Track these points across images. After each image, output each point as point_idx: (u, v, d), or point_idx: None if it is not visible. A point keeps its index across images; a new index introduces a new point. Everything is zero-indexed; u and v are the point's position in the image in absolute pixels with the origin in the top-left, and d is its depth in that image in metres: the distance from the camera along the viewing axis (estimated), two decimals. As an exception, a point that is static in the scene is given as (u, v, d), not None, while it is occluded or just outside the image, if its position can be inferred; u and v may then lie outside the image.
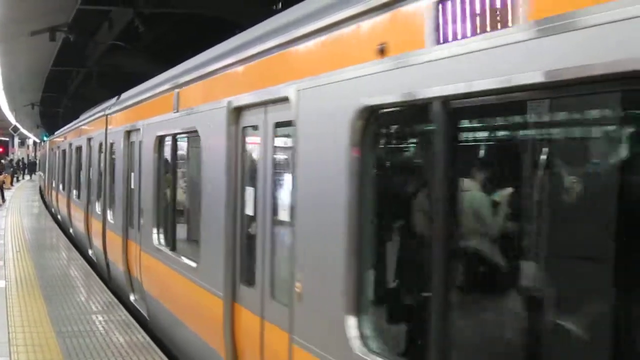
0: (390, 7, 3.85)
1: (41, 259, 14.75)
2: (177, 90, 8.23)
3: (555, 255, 3.18)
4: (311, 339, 4.63)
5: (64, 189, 21.93)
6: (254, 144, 6.09)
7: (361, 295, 4.14)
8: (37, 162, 68.77)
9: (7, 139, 71.80)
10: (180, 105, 8.10)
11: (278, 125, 5.50)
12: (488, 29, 3.16)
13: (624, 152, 2.84)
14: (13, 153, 74.28)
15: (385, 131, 4.37)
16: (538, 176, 3.23)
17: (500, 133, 3.79)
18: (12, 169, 50.45)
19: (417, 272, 3.78)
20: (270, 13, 6.66)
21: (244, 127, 6.20)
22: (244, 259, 6.14)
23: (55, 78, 28.29)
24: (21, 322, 9.12)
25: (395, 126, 4.35)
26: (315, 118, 4.72)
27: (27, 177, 64.74)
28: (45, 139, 50.13)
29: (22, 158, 76.06)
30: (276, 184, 5.55)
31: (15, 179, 53.20)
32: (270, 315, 5.47)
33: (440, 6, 3.45)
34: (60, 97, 36.92)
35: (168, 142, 9.01)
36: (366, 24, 4.12)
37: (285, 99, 5.09)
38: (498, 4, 3.10)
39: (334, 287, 4.28)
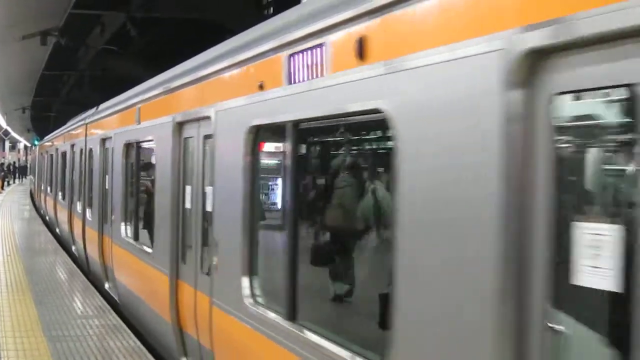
0: (264, 56, 5.52)
1: (32, 263, 14.71)
2: (139, 105, 10.01)
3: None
4: (221, 299, 6.30)
5: (51, 191, 23.81)
6: (192, 151, 7.63)
7: (251, 265, 5.81)
8: (28, 166, 68.60)
9: (-3, 143, 71.58)
10: (141, 118, 9.87)
11: (206, 137, 7.03)
12: (314, 76, 4.72)
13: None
14: (4, 157, 74.00)
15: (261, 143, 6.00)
16: (333, 174, 5.36)
17: (323, 146, 5.84)
18: (2, 173, 50.30)
19: (281, 249, 5.31)
20: (261, 18, 6.70)
21: (185, 138, 7.81)
22: (185, 244, 7.76)
23: (46, 82, 28.21)
24: (12, 327, 9.10)
25: (268, 140, 5.98)
26: (225, 132, 6.39)
27: (17, 180, 64.52)
28: (36, 143, 50.03)
29: (14, 162, 75.80)
30: (203, 182, 7.10)
31: (6, 183, 53.04)
32: (200, 286, 6.99)
33: (290, 58, 5.04)
34: (52, 101, 36.82)
35: (133, 149, 10.65)
36: (252, 67, 5.83)
37: (208, 117, 6.76)
38: (319, 60, 4.65)
39: (235, 260, 5.90)
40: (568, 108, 2.84)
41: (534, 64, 2.86)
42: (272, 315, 5.29)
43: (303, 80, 4.84)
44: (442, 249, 3.36)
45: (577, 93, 2.81)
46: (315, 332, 4.70)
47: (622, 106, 2.67)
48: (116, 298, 11.35)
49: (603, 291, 2.62)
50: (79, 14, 16.28)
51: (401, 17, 3.76)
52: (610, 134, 2.82)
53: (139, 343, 8.60)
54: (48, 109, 40.53)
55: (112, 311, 10.41)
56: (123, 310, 10.70)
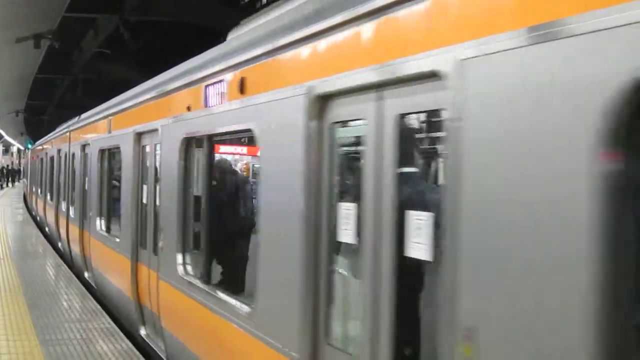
0: (191, 85, 7.21)
1: (25, 267, 14.69)
2: (110, 117, 12.00)
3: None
4: (163, 273, 7.97)
5: (41, 193, 25.70)
6: (147, 156, 9.45)
7: (185, 244, 7.46)
8: (21, 169, 68.42)
9: (-9, 146, 71.38)
10: (111, 129, 11.81)
11: (156, 145, 8.76)
12: (220, 102, 6.31)
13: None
14: (-3, 160, 73.79)
15: (191, 151, 7.49)
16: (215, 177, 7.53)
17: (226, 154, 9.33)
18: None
19: (202, 229, 7.16)
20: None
21: (142, 146, 9.56)
22: (142, 232, 9.42)
23: (40, 85, 28.17)
24: (5, 331, 9.09)
25: (196, 149, 7.47)
26: (168, 143, 7.97)
27: (9, 184, 64.32)
28: (29, 146, 49.87)
29: (7, 165, 75.58)
30: (155, 181, 8.82)
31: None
32: (152, 265, 8.59)
33: (206, 88, 6.65)
34: (46, 105, 36.75)
35: (106, 154, 12.42)
36: (184, 92, 7.50)
37: (157, 130, 8.50)
38: (221, 92, 6.28)
39: (173, 240, 7.54)
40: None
41: (322, 104, 4.48)
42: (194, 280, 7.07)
43: (214, 105, 6.49)
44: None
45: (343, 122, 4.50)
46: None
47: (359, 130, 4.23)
48: (94, 285, 13.04)
49: None
50: (73, 17, 16.28)
51: (263, 65, 5.40)
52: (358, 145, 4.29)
53: (131, 346, 8.60)
54: (42, 113, 40.45)
55: (105, 314, 10.41)
56: (100, 296, 12.23)
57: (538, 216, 2.67)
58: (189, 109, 7.18)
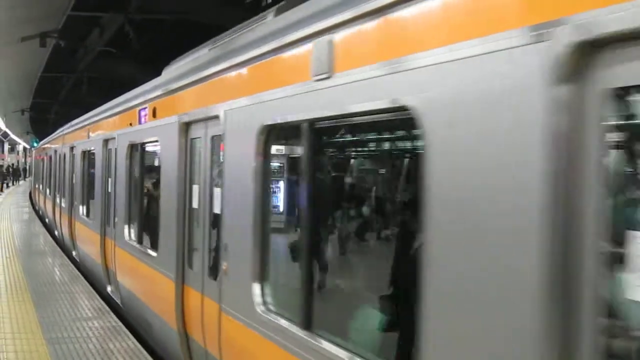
0: (132, 108, 10.11)
1: (31, 265, 14.72)
2: (88, 126, 15.03)
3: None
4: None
5: (43, 188, 28.26)
6: (111, 156, 11.97)
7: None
8: (27, 167, 68.62)
9: (-4, 145, 71.57)
10: (90, 134, 14.76)
11: (115, 148, 11.48)
12: (145, 122, 9.45)
13: None
14: (3, 159, 74.01)
15: (134, 153, 10.43)
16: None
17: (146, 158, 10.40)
18: (1, 175, 50.29)
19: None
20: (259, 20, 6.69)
21: (108, 148, 12.34)
22: (108, 212, 12.05)
23: (45, 84, 28.22)
24: (11, 329, 9.11)
25: (135, 152, 10.24)
26: (121, 148, 10.89)
27: (14, 183, 64.49)
28: (35, 145, 49.99)
29: (13, 164, 75.78)
30: (109, 176, 12.69)
31: (5, 185, 53.01)
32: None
33: (140, 111, 9.60)
34: (51, 103, 36.83)
35: (86, 154, 15.49)
36: (128, 113, 10.61)
37: (114, 137, 11.51)
38: (145, 115, 9.32)
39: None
40: None
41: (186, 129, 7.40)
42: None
43: (143, 123, 9.49)
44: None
45: None
46: None
47: None
48: (78, 260, 15.82)
49: None
50: (78, 16, 16.31)
51: (164, 101, 8.38)
52: None
53: (138, 344, 8.60)
54: (47, 111, 40.55)
55: (111, 313, 10.42)
56: (81, 267, 15.07)
57: None
58: (131, 124, 10.36)
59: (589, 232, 2.51)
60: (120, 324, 9.71)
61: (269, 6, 16.38)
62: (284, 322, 4.91)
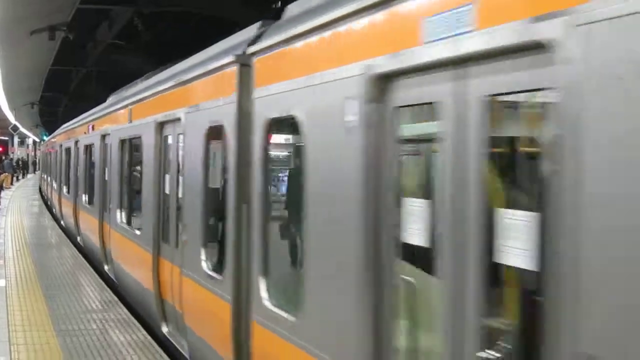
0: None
1: (41, 258, 14.79)
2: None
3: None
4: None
5: (50, 180, 29.78)
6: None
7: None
8: (37, 161, 68.92)
9: (6, 138, 71.78)
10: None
11: (111, 144, 13.02)
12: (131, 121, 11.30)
13: None
14: (13, 152, 74.28)
15: (124, 147, 11.96)
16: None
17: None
18: (11, 168, 50.46)
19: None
20: (269, 11, 6.65)
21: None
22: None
23: (54, 77, 28.27)
24: (21, 321, 9.14)
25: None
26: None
27: (25, 175, 64.75)
28: (44, 138, 50.15)
29: (22, 157, 76.05)
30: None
31: (15, 178, 53.23)
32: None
33: (130, 111, 11.31)
34: (60, 96, 36.91)
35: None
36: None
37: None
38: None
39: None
40: None
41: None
42: None
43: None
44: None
45: None
46: None
47: None
48: (82, 244, 17.18)
49: None
50: (87, 9, 16.30)
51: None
52: None
53: (148, 337, 8.63)
54: (56, 105, 40.65)
55: (121, 305, 10.46)
56: (84, 249, 16.65)
57: None
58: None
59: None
60: (130, 315, 9.75)
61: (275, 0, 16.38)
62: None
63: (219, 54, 6.88)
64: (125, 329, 8.98)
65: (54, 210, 25.92)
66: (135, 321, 9.44)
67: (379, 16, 3.92)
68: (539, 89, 2.93)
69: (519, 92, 3.07)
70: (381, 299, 3.88)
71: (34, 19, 16.44)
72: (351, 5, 4.15)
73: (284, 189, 6.61)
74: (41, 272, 12.93)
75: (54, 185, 26.55)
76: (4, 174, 38.14)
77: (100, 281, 12.46)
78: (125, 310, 10.09)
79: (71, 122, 23.41)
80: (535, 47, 2.77)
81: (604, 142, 2.45)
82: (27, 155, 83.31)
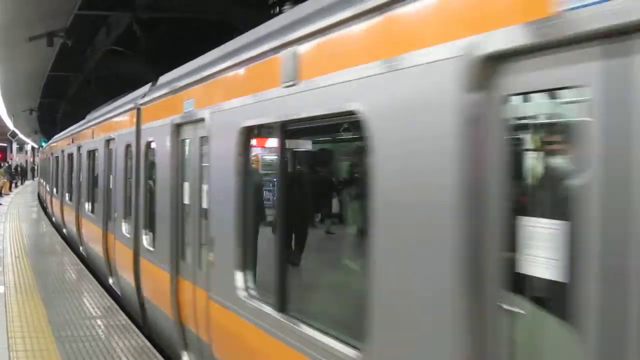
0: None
1: (40, 264, 14.75)
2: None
3: None
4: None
5: (50, 187, 29.74)
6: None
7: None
8: (35, 167, 68.86)
9: (5, 144, 71.75)
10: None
11: (116, 148, 12.28)
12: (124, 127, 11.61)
13: None
14: (11, 159, 74.22)
15: (129, 152, 11.16)
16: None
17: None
18: (9, 175, 50.43)
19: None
20: (269, 17, 6.66)
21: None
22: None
23: (53, 83, 28.28)
24: (20, 328, 9.12)
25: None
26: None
27: (23, 182, 64.67)
28: (43, 144, 50.13)
29: (21, 163, 76.00)
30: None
31: (14, 184, 53.18)
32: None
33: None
34: (59, 102, 36.90)
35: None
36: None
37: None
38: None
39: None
40: None
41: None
42: None
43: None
44: None
45: None
46: None
47: None
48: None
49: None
50: (86, 15, 16.30)
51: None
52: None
53: (147, 343, 8.60)
54: (55, 111, 40.62)
55: (120, 311, 10.43)
56: (83, 252, 16.96)
57: None
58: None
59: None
60: (129, 322, 9.71)
61: (276, 4, 16.40)
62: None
63: (132, 100, 11.19)
64: (124, 335, 8.96)
65: (53, 219, 25.40)
66: (134, 327, 9.41)
67: None
68: None
69: None
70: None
71: (32, 25, 16.43)
72: None
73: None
74: (40, 279, 12.89)
75: (55, 192, 25.74)
76: (3, 180, 38.05)
77: (100, 288, 12.43)
78: (125, 317, 10.06)
79: (73, 127, 23.13)
80: None
81: None
82: (26, 161, 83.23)
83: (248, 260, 5.87)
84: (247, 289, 5.78)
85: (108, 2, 16.14)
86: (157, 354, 8.16)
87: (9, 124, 50.51)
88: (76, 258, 16.14)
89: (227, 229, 6.05)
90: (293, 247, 5.61)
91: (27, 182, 66.52)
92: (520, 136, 3.07)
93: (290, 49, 4.88)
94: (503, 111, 2.94)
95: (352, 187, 5.58)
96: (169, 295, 8.02)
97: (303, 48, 4.73)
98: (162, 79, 9.61)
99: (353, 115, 3.96)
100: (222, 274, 6.19)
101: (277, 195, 5.29)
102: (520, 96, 2.96)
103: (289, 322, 4.89)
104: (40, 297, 11.14)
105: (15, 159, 78.02)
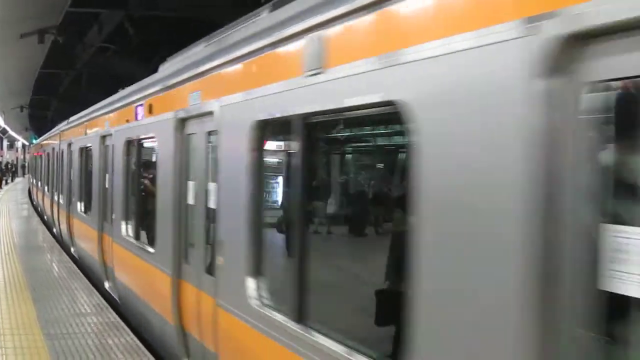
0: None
1: (30, 261, 14.71)
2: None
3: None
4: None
5: (41, 185, 29.28)
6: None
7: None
8: (26, 164, 68.63)
9: (-5, 141, 71.51)
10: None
11: (113, 144, 11.53)
12: (143, 117, 9.37)
13: None
14: (2, 156, 73.94)
15: (131, 149, 10.37)
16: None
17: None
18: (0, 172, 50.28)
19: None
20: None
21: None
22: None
23: (44, 80, 28.22)
24: (10, 325, 9.10)
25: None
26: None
27: (14, 179, 64.45)
28: (34, 141, 49.96)
29: (11, 160, 75.73)
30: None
31: (4, 181, 52.99)
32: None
33: (136, 108, 9.68)
34: (50, 100, 36.82)
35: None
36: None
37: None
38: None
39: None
40: None
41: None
42: None
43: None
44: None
45: None
46: None
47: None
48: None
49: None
50: (77, 12, 16.30)
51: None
52: None
53: (137, 340, 8.61)
54: (46, 108, 40.55)
55: (110, 309, 10.42)
56: (71, 248, 16.83)
57: None
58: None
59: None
60: (118, 319, 9.72)
61: (266, 1, 16.38)
62: None
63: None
64: (114, 333, 8.96)
65: (45, 217, 25.00)
66: (124, 325, 9.42)
67: None
68: None
69: None
70: None
71: (23, 22, 16.41)
72: None
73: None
74: (29, 276, 12.87)
75: (46, 190, 25.08)
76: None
77: (90, 285, 12.43)
78: (115, 315, 10.07)
79: (65, 122, 21.64)
80: None
81: None
82: (17, 158, 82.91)
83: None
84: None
85: (100, 0, 16.13)
86: (147, 352, 8.17)
87: (0, 121, 50.34)
88: (66, 256, 16.11)
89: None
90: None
91: (17, 179, 66.28)
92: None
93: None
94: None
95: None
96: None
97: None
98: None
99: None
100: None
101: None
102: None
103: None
104: (30, 294, 11.13)
105: (6, 156, 77.71)
